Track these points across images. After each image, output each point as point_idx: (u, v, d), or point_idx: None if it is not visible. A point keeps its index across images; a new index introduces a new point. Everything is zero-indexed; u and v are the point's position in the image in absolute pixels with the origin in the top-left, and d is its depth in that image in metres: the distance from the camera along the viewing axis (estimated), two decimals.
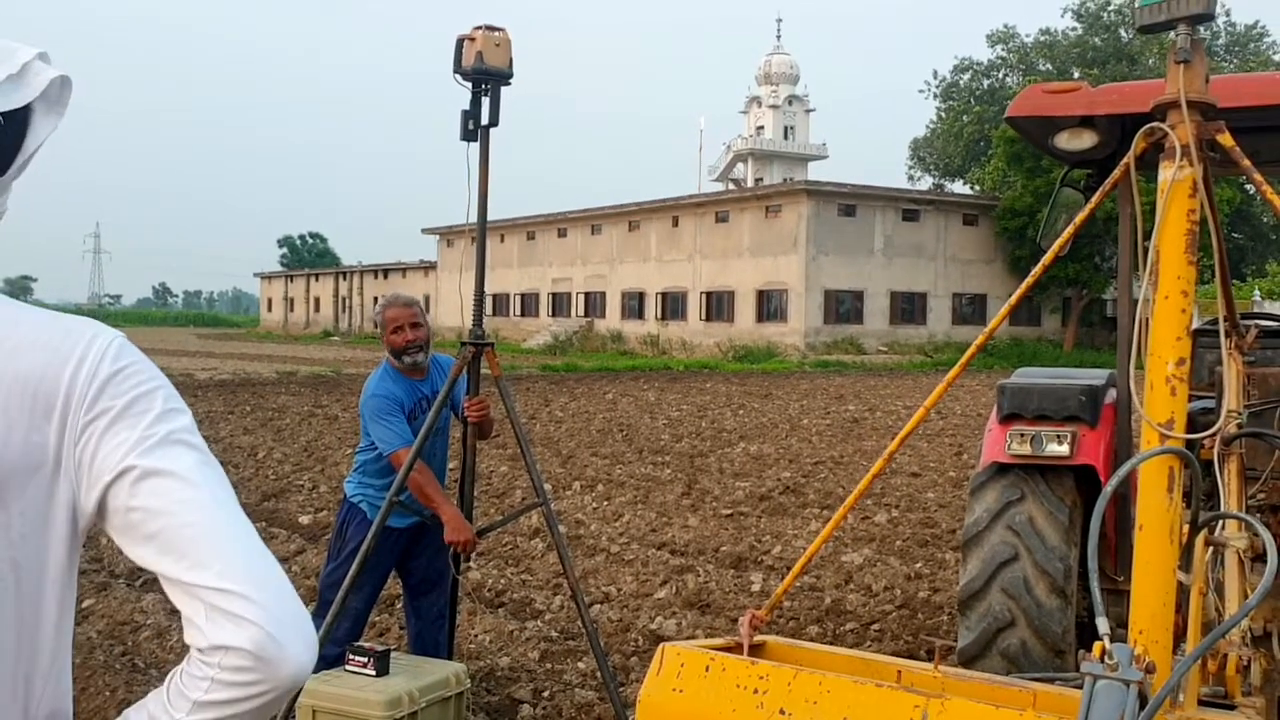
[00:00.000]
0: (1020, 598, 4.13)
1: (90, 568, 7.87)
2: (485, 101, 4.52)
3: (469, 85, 4.50)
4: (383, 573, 4.89)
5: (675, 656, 2.95)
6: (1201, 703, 2.93)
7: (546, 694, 5.41)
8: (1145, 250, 2.60)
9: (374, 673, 4.24)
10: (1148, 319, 2.59)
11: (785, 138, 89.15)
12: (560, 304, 55.62)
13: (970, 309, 46.14)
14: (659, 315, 49.08)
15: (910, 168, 67.73)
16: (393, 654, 4.42)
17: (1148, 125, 2.62)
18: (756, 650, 3.25)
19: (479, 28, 4.46)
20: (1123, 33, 55.83)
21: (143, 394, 1.30)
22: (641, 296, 50.42)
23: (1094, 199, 3.14)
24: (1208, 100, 2.55)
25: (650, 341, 48.04)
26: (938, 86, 63.84)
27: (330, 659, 4.51)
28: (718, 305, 46.49)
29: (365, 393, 4.80)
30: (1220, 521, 3.48)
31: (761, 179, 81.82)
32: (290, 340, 69.09)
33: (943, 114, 63.57)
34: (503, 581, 7.57)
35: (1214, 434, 3.54)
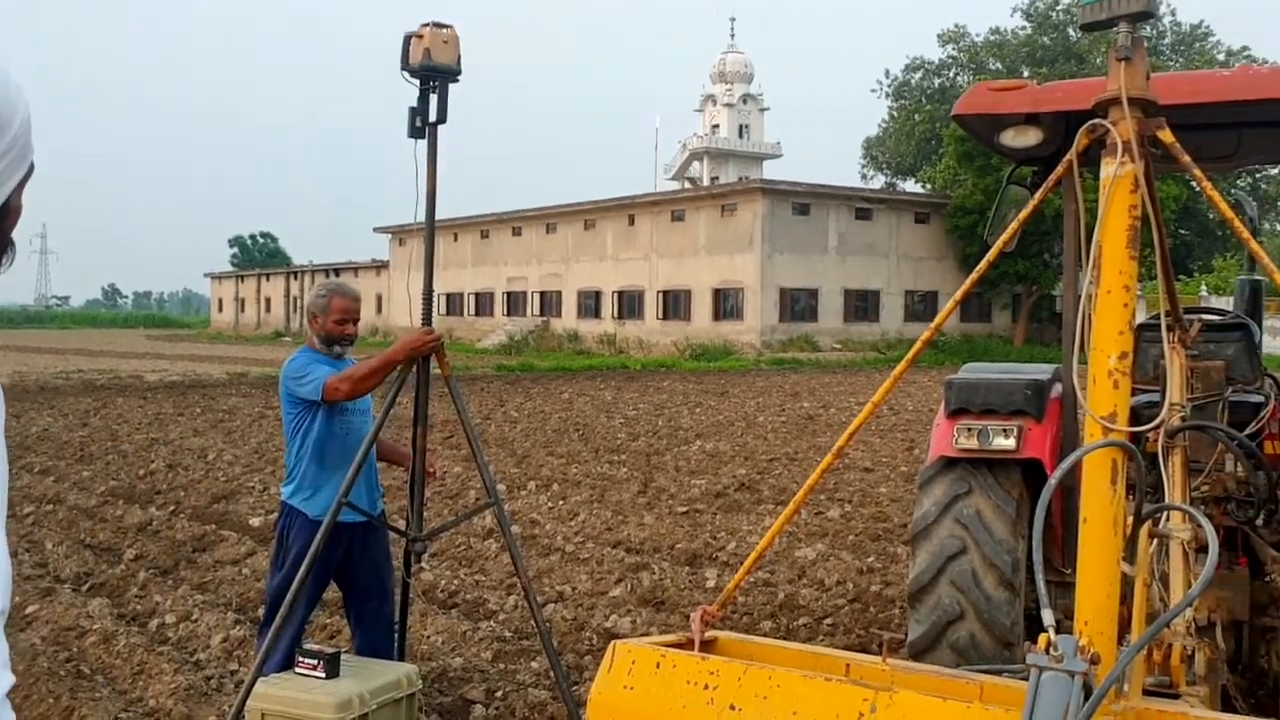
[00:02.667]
0: (969, 590, 4.16)
1: (34, 573, 7.72)
2: (433, 99, 4.48)
3: (416, 82, 4.47)
4: (326, 573, 4.82)
5: (626, 654, 2.94)
6: (1147, 692, 2.96)
7: (499, 694, 5.38)
8: (1090, 246, 2.63)
9: (324, 675, 4.19)
10: (1092, 314, 2.61)
11: (740, 136, 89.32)
12: (515, 303, 55.40)
13: (922, 306, 46.57)
14: (615, 314, 49.04)
15: (863, 166, 68.26)
16: (343, 656, 4.38)
17: (1090, 122, 2.64)
18: (708, 646, 3.24)
19: (427, 24, 4.42)
20: (1071, 32, 56.55)
21: None
22: (598, 295, 50.36)
23: (1037, 195, 3.17)
24: (1148, 97, 2.57)
25: (607, 341, 47.99)
26: (890, 86, 64.38)
27: (280, 662, 4.45)
28: (674, 304, 46.54)
29: (285, 370, 4.79)
30: (1164, 513, 3.53)
31: (717, 178, 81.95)
32: (241, 341, 68.32)
33: (895, 113, 64.08)
34: (456, 582, 7.52)
35: (1157, 427, 3.59)
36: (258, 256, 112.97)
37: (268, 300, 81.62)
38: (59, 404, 20.87)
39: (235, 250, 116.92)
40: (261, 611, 5.41)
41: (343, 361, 4.84)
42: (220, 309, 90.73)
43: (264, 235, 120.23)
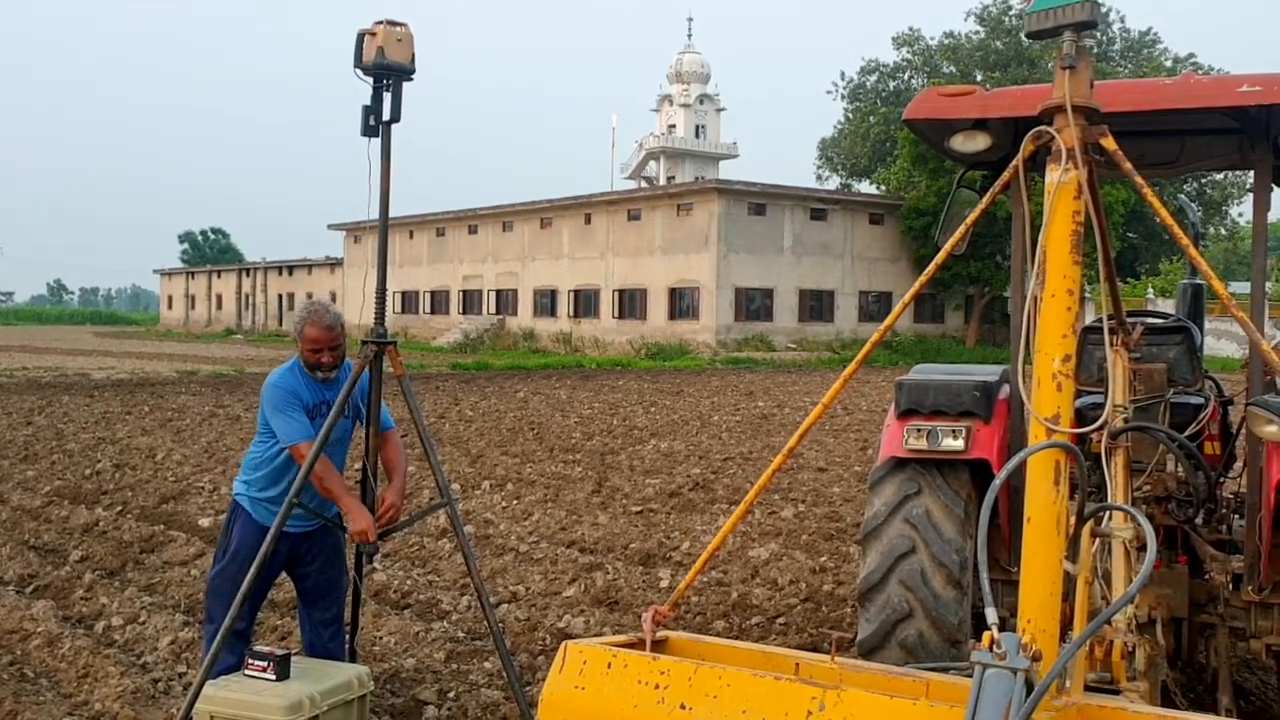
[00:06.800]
0: (918, 589, 4.21)
1: None
2: (387, 97, 4.47)
3: (370, 80, 4.45)
4: (272, 572, 4.78)
5: (578, 654, 2.95)
6: (1088, 688, 3.02)
7: (452, 695, 5.36)
8: (1036, 249, 2.67)
9: (274, 677, 4.16)
10: (1037, 317, 2.65)
11: (696, 136, 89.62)
12: (471, 301, 55.17)
13: (876, 306, 46.96)
14: (571, 313, 48.98)
15: (818, 168, 68.60)
16: (293, 657, 4.35)
17: (1035, 128, 2.69)
18: (659, 646, 3.26)
19: (380, 22, 4.41)
20: (1023, 37, 57.08)
21: None
22: (554, 294, 50.27)
23: (985, 199, 3.21)
24: (1092, 105, 2.62)
25: (563, 339, 47.92)
26: (845, 88, 64.76)
27: (227, 665, 4.41)
28: (630, 303, 46.56)
29: (267, 382, 4.75)
30: (1106, 513, 3.59)
31: (674, 177, 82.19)
32: (191, 339, 67.43)
33: (850, 115, 64.47)
34: (409, 582, 7.49)
35: (1100, 428, 3.65)
36: (209, 253, 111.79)
37: (219, 297, 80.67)
38: (2, 402, 20.48)
39: (186, 246, 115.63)
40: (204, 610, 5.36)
41: (328, 385, 4.73)
42: (170, 306, 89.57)
43: (215, 231, 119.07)
